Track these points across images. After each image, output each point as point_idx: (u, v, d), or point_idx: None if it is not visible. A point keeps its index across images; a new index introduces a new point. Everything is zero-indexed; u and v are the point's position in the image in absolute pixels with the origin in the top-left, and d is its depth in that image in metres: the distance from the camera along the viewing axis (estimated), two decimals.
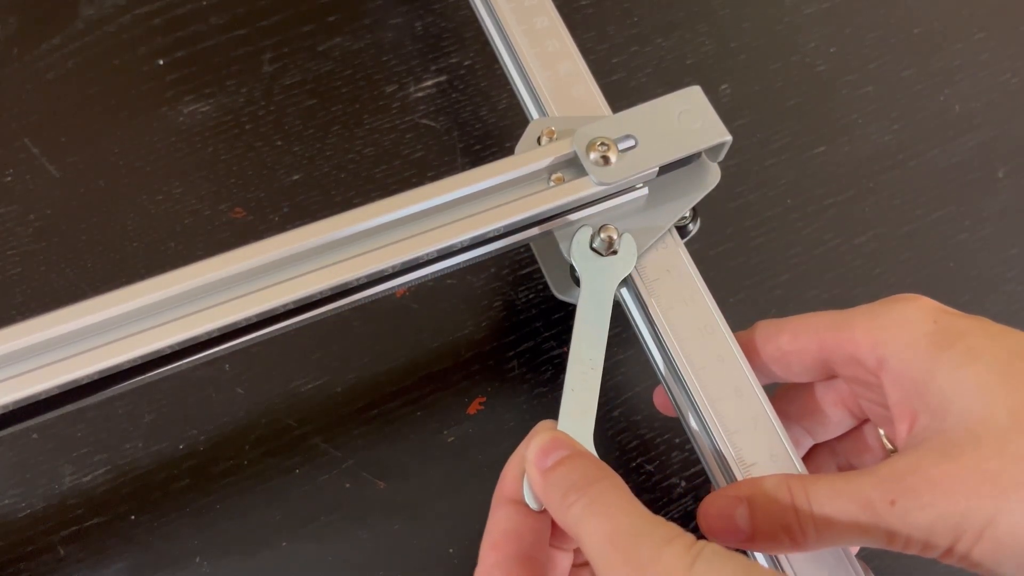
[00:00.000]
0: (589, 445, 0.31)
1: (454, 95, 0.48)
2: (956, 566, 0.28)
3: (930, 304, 0.30)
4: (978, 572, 0.28)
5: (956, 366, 0.28)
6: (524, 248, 0.44)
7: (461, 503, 0.39)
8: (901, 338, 0.29)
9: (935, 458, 0.27)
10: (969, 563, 0.27)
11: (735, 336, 0.34)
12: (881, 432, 0.35)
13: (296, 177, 0.45)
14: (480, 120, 0.48)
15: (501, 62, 0.41)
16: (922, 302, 0.30)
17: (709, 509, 0.30)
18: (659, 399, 0.39)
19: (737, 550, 0.27)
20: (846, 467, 0.36)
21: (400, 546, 0.38)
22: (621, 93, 0.49)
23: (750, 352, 0.34)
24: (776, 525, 0.29)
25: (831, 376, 0.33)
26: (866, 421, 0.35)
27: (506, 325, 0.43)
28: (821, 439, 0.36)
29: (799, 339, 0.33)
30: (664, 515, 0.39)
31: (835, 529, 0.28)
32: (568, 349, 0.42)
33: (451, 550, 0.38)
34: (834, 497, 0.28)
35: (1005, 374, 0.27)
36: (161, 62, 0.48)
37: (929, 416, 0.28)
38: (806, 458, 0.36)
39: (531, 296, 0.43)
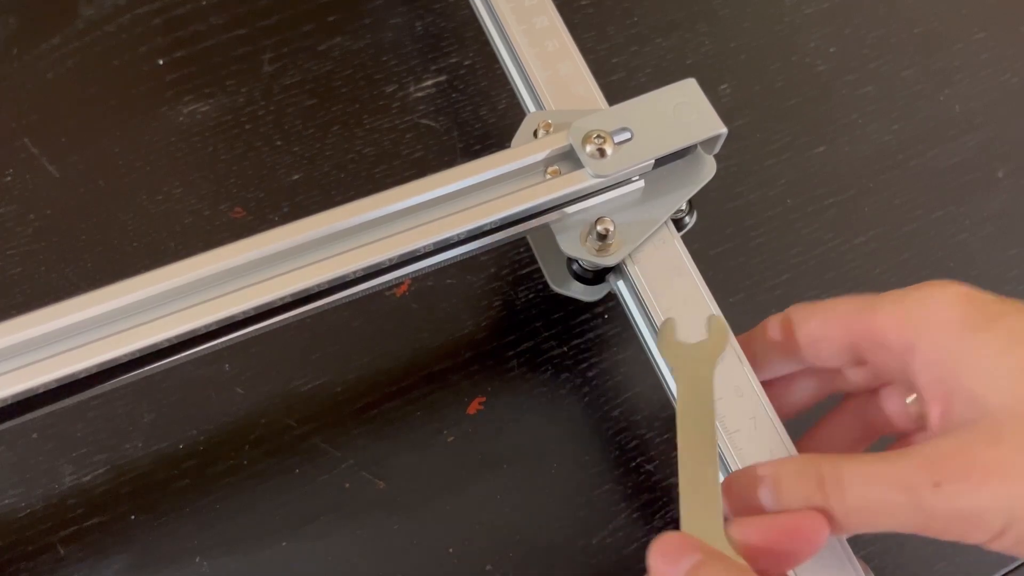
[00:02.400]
0: (723, 545, 0.28)
1: (454, 95, 0.48)
2: (1002, 551, 0.27)
3: (961, 287, 0.30)
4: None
5: (996, 350, 0.28)
6: (524, 247, 0.44)
7: (461, 503, 0.39)
8: (931, 320, 0.29)
9: (983, 441, 0.27)
10: (1007, 551, 0.27)
11: (770, 321, 0.34)
12: (912, 397, 0.33)
13: (296, 177, 0.45)
14: (480, 120, 0.48)
15: (501, 62, 0.41)
16: (952, 286, 0.30)
17: (734, 480, 0.30)
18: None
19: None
20: (860, 432, 0.35)
21: (400, 546, 0.38)
22: (621, 93, 0.48)
23: (787, 335, 0.33)
24: (804, 506, 0.28)
25: (861, 363, 0.32)
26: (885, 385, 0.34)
27: (506, 325, 0.43)
28: (846, 389, 0.35)
29: (828, 324, 0.32)
30: (664, 515, 0.39)
31: (868, 512, 0.27)
32: (568, 349, 0.43)
33: (451, 550, 0.38)
34: (868, 479, 0.27)
35: None
36: (161, 62, 0.48)
37: (967, 400, 0.28)
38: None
39: (531, 296, 0.43)
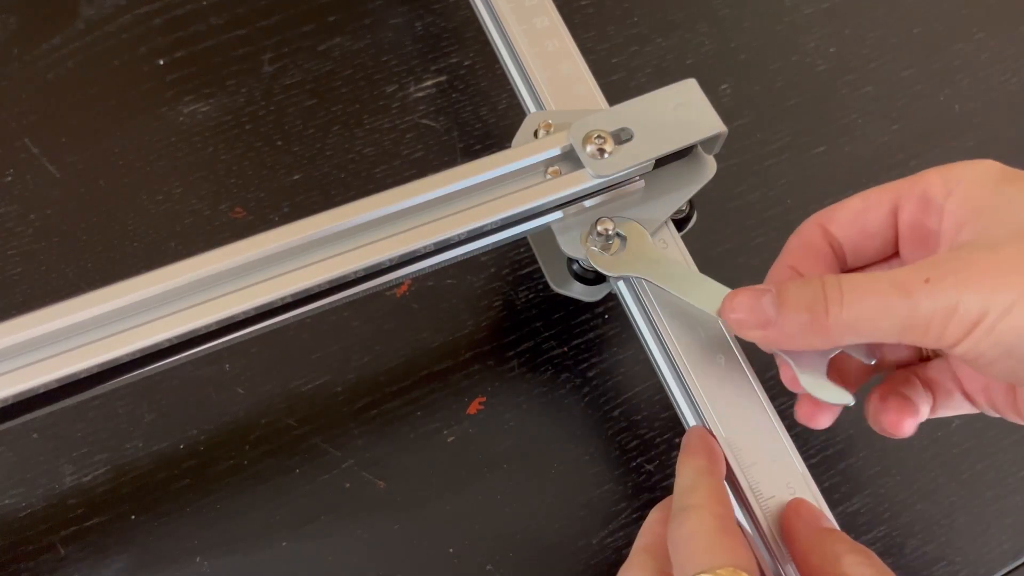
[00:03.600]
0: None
1: (454, 95, 0.48)
2: (964, 355, 0.28)
3: (999, 163, 0.31)
4: (988, 370, 0.28)
5: (1018, 193, 0.29)
6: (524, 247, 0.44)
7: (461, 503, 0.39)
8: (970, 175, 0.31)
9: (978, 251, 0.28)
10: (984, 347, 0.28)
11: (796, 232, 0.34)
12: None
13: (296, 177, 0.45)
14: (480, 120, 0.48)
15: (501, 62, 0.41)
16: (991, 161, 0.31)
17: (740, 294, 0.32)
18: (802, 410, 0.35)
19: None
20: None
21: (400, 546, 0.38)
22: (621, 93, 0.48)
23: (818, 227, 0.34)
24: (803, 306, 0.29)
25: (894, 245, 0.34)
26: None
27: (506, 325, 0.43)
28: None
29: (872, 198, 0.33)
30: None
31: (865, 316, 0.29)
32: (568, 349, 0.43)
33: (451, 550, 0.38)
34: (868, 280, 0.29)
35: None
36: (161, 62, 0.48)
37: (982, 233, 0.29)
38: None
39: (531, 296, 0.43)
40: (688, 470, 0.31)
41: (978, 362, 0.28)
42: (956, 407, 0.34)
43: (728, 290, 0.32)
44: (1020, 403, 0.31)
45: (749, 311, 0.31)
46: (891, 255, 0.35)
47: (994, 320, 0.27)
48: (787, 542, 0.31)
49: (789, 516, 0.32)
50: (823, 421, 0.34)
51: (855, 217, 0.33)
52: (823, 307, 0.29)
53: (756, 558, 0.30)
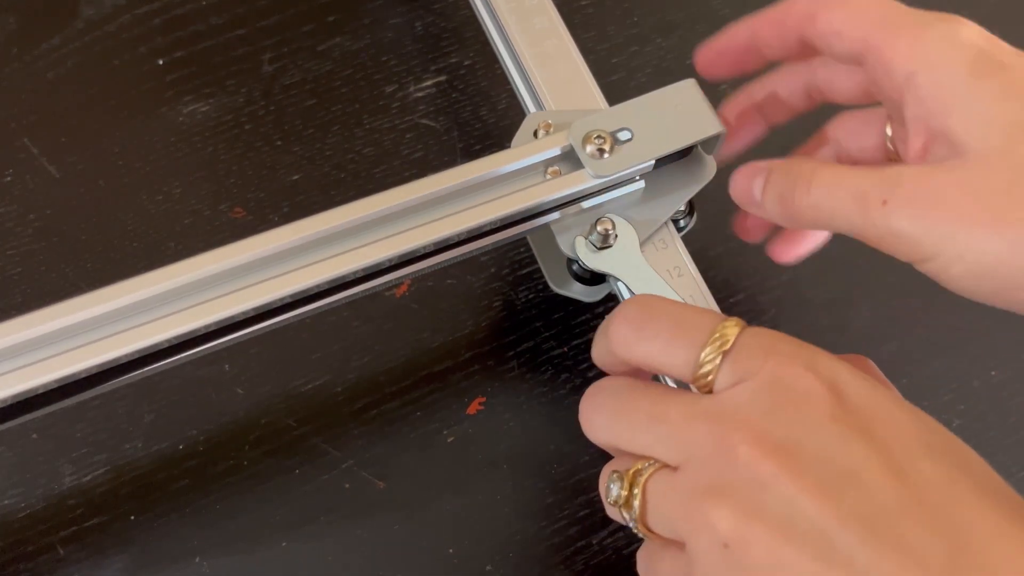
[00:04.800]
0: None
1: (454, 95, 0.48)
2: (925, 273, 0.29)
3: (980, 34, 0.30)
4: (951, 288, 0.29)
5: (990, 99, 0.28)
6: (524, 247, 0.44)
7: (461, 503, 0.39)
8: (939, 56, 0.29)
9: (942, 177, 0.28)
10: (942, 280, 0.29)
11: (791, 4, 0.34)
12: (888, 131, 0.35)
13: (296, 177, 0.45)
14: (480, 120, 0.48)
15: (501, 62, 0.41)
16: (972, 29, 0.30)
17: (739, 174, 0.34)
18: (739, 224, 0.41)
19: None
20: (844, 157, 0.37)
21: (400, 546, 0.38)
22: (621, 93, 0.48)
23: (801, 17, 0.33)
24: (776, 194, 0.32)
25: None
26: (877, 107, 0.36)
27: (506, 325, 0.43)
28: (833, 97, 0.36)
29: (850, 23, 0.31)
30: None
31: (824, 212, 0.30)
32: (568, 349, 0.43)
33: (451, 550, 0.38)
34: (834, 181, 0.30)
35: None
36: (161, 62, 0.48)
37: (948, 142, 0.29)
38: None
39: (531, 296, 0.43)
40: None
41: (948, 285, 0.29)
42: None
43: None
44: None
45: (742, 192, 0.34)
46: (866, 101, 0.35)
47: (952, 258, 0.28)
48: None
49: None
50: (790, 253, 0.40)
51: (831, 31, 0.32)
52: (791, 198, 0.31)
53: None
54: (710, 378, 0.26)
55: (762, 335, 0.27)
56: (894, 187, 0.28)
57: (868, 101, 0.35)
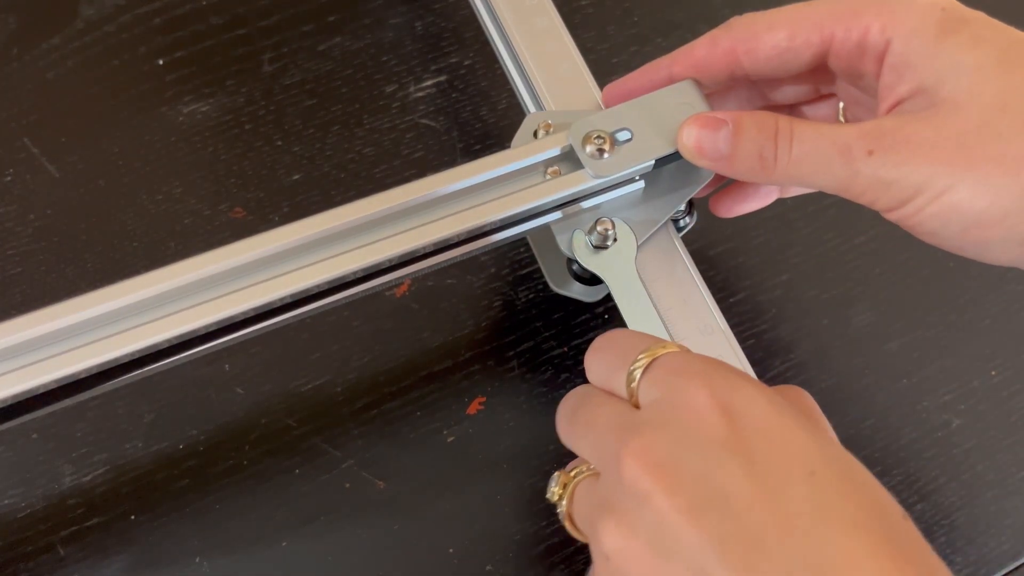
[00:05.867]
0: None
1: (454, 95, 0.48)
2: (896, 223, 0.30)
3: (940, 2, 0.31)
4: (914, 232, 0.30)
5: (958, 50, 0.30)
6: (524, 247, 0.44)
7: (461, 503, 0.39)
8: (910, 23, 0.31)
9: (920, 124, 0.29)
10: (911, 223, 0.30)
11: (696, 43, 0.34)
12: (840, 106, 0.36)
13: (296, 177, 0.45)
14: (480, 120, 0.48)
15: (501, 62, 0.41)
16: (932, 2, 0.31)
17: (693, 124, 0.33)
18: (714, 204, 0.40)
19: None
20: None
21: (400, 546, 0.38)
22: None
23: (729, 54, 0.33)
24: (754, 150, 0.31)
25: (817, 70, 0.34)
26: (826, 97, 0.37)
27: (506, 325, 0.43)
28: (779, 101, 0.37)
29: (800, 34, 0.32)
30: None
31: (806, 166, 0.31)
32: (568, 349, 0.43)
33: (451, 550, 0.38)
34: (817, 137, 0.30)
35: (1002, 59, 0.29)
36: (161, 62, 0.48)
37: (922, 94, 0.30)
38: None
39: (531, 296, 0.43)
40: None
41: (913, 229, 0.30)
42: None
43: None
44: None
45: (705, 142, 0.32)
46: (814, 97, 0.36)
47: (928, 199, 0.29)
48: None
49: None
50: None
51: (778, 54, 0.33)
52: (772, 155, 0.31)
53: None
54: (635, 396, 0.28)
55: (683, 356, 0.27)
56: (878, 137, 0.29)
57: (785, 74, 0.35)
